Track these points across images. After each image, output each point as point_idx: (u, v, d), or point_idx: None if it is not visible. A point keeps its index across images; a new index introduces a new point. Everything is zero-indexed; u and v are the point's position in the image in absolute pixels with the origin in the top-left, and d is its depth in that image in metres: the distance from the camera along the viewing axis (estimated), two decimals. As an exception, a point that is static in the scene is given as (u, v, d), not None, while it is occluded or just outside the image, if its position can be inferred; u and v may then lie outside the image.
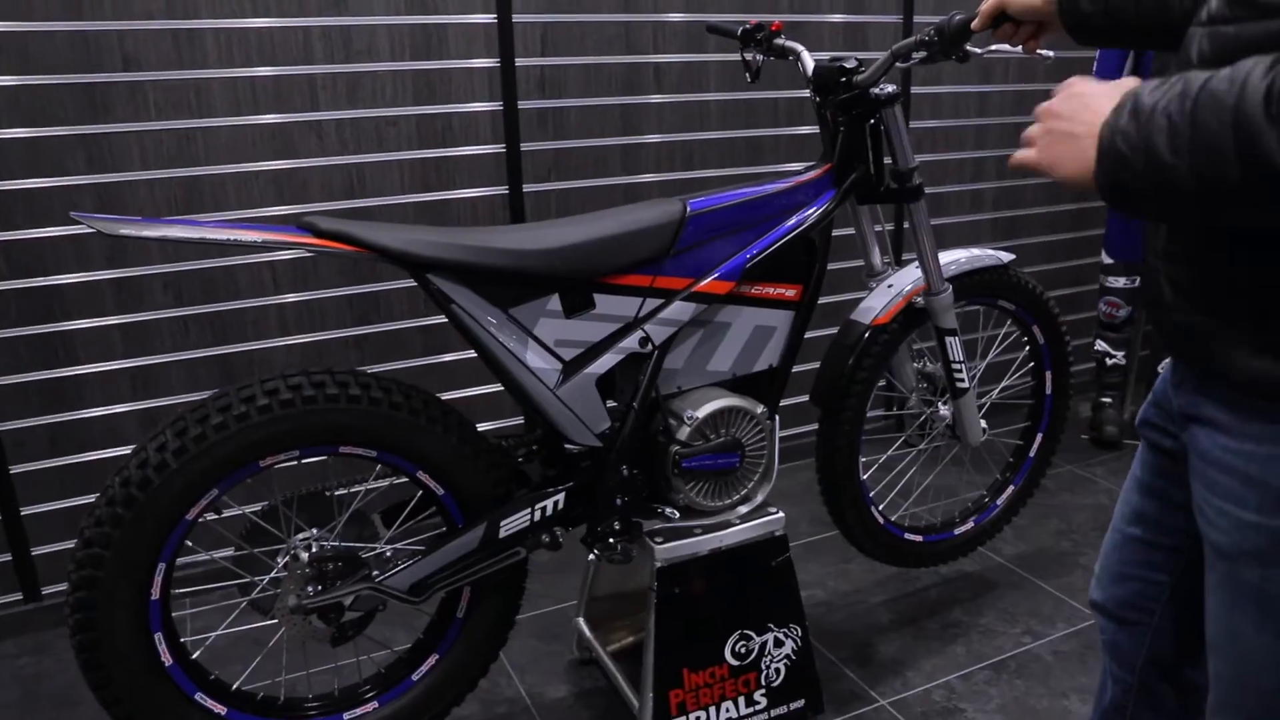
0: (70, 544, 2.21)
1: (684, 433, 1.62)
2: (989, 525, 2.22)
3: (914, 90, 2.88)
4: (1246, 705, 0.88)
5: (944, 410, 2.07)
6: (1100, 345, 3.10)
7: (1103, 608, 1.18)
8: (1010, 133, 3.10)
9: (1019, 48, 1.37)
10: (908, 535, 2.10)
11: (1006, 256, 2.01)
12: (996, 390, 2.45)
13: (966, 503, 2.31)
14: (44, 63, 1.96)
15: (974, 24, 1.38)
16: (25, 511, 2.15)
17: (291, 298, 2.28)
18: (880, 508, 2.05)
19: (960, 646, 2.06)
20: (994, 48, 1.53)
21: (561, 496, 1.59)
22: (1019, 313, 2.08)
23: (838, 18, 2.72)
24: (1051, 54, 1.59)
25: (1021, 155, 0.86)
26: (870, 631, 2.12)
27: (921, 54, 1.56)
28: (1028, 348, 2.19)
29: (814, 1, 2.67)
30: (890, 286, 1.92)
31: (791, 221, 1.68)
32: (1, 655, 2.11)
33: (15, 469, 2.12)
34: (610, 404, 1.62)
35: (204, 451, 1.33)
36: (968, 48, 1.53)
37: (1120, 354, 3.08)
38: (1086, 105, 0.79)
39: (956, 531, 2.18)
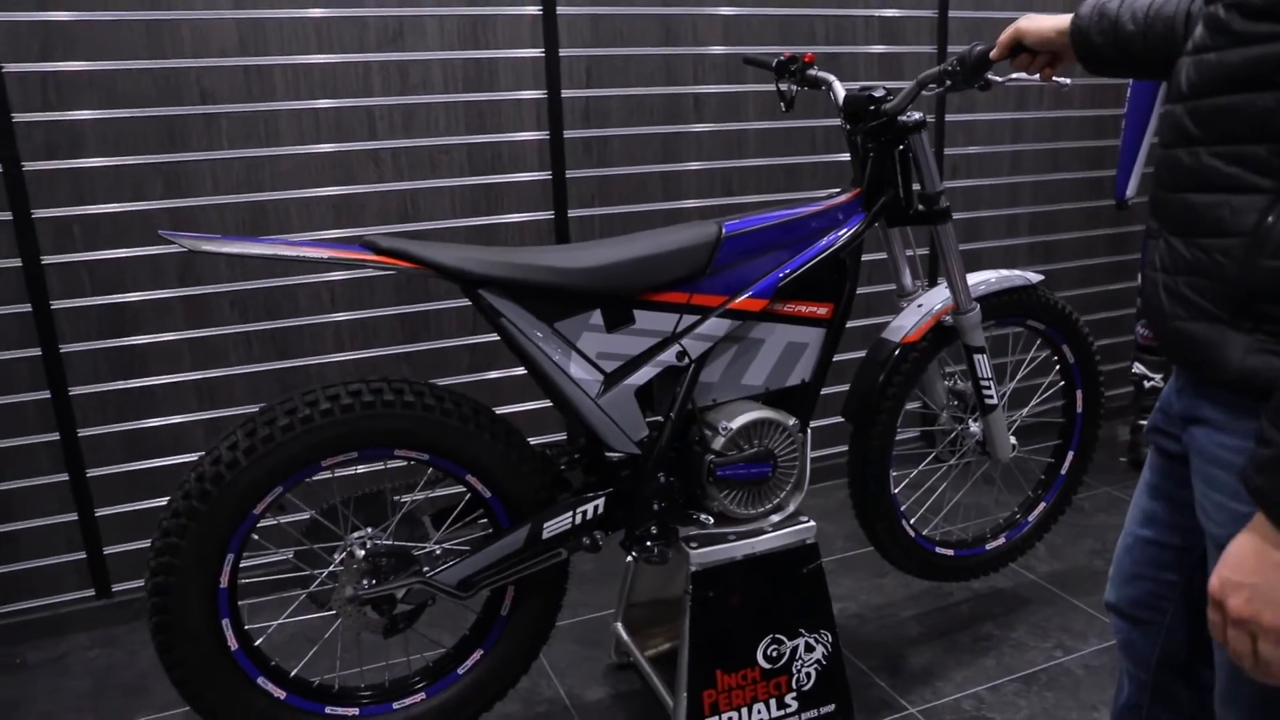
0: (139, 544, 2.35)
1: (719, 443, 1.70)
2: (1020, 541, 2.26)
3: (949, 118, 2.95)
4: (1246, 694, 0.93)
5: (974, 427, 2.12)
6: (1138, 368, 3.12)
7: (1117, 608, 1.23)
8: (1044, 158, 3.15)
9: (1036, 76, 1.45)
10: (939, 549, 2.15)
11: (1035, 277, 2.07)
12: (1025, 411, 2.49)
13: (998, 519, 2.35)
14: (130, 97, 2.12)
15: (992, 54, 1.46)
16: (100, 513, 2.30)
17: (347, 316, 2.41)
18: (911, 522, 2.10)
19: (991, 659, 2.10)
20: (1013, 76, 1.61)
21: (602, 501, 1.68)
22: (1049, 332, 2.14)
23: (874, 49, 2.80)
24: (1068, 81, 1.66)
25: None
26: (901, 643, 2.17)
27: (946, 83, 1.64)
28: (1058, 367, 2.23)
29: (849, 33, 2.77)
30: (920, 306, 1.98)
31: (823, 243, 1.76)
32: (75, 647, 2.25)
33: (92, 473, 2.27)
34: (649, 416, 1.71)
35: (271, 451, 1.45)
36: (988, 76, 1.61)
37: (1158, 377, 3.09)
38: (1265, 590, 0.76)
39: (988, 547, 2.22)
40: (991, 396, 2.01)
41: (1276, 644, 0.76)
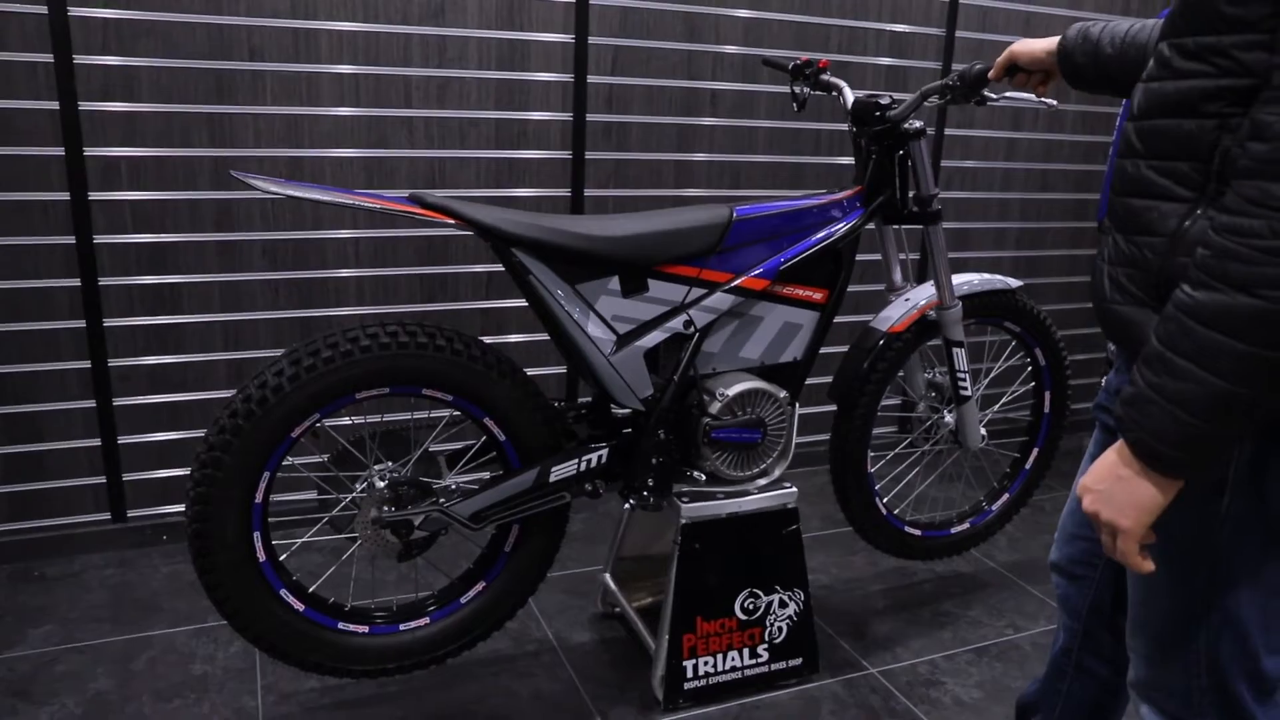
0: (157, 473, 2.48)
1: (715, 407, 1.86)
2: (983, 528, 2.43)
3: (947, 132, 3.12)
4: (1151, 623, 1.10)
5: (948, 418, 2.29)
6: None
7: (1057, 566, 1.40)
8: (1035, 177, 3.32)
9: (1031, 95, 1.61)
10: (907, 529, 2.31)
11: (1014, 283, 2.24)
12: (996, 408, 2.66)
13: (964, 507, 2.52)
14: (184, 49, 2.25)
15: (990, 73, 1.62)
16: (122, 440, 2.43)
17: (370, 272, 2.55)
18: (884, 501, 2.27)
19: (948, 632, 2.27)
20: (1008, 94, 1.77)
21: (605, 452, 1.83)
22: (1023, 334, 2.30)
23: (883, 60, 2.97)
24: (1054, 102, 1.83)
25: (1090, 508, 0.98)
26: (867, 613, 2.34)
27: (946, 96, 1.80)
28: (1030, 369, 2.40)
29: (860, 44, 2.93)
30: (907, 300, 2.15)
31: (823, 233, 1.92)
32: (89, 565, 2.38)
33: (118, 401, 2.40)
34: (654, 378, 1.86)
35: (312, 379, 1.59)
36: (985, 93, 1.77)
37: (1125, 392, 3.27)
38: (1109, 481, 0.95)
39: (953, 530, 2.39)
40: (966, 388, 2.18)
41: (1112, 535, 0.96)
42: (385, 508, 1.72)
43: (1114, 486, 0.95)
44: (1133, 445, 0.92)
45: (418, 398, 1.70)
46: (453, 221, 1.61)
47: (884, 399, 3.05)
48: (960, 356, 2.15)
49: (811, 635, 2.02)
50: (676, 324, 1.82)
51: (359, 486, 1.74)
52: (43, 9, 2.14)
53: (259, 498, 1.63)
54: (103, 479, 2.45)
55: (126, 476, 2.46)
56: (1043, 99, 1.62)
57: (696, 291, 1.83)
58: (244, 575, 1.65)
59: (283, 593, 1.71)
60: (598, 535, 2.66)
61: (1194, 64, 0.91)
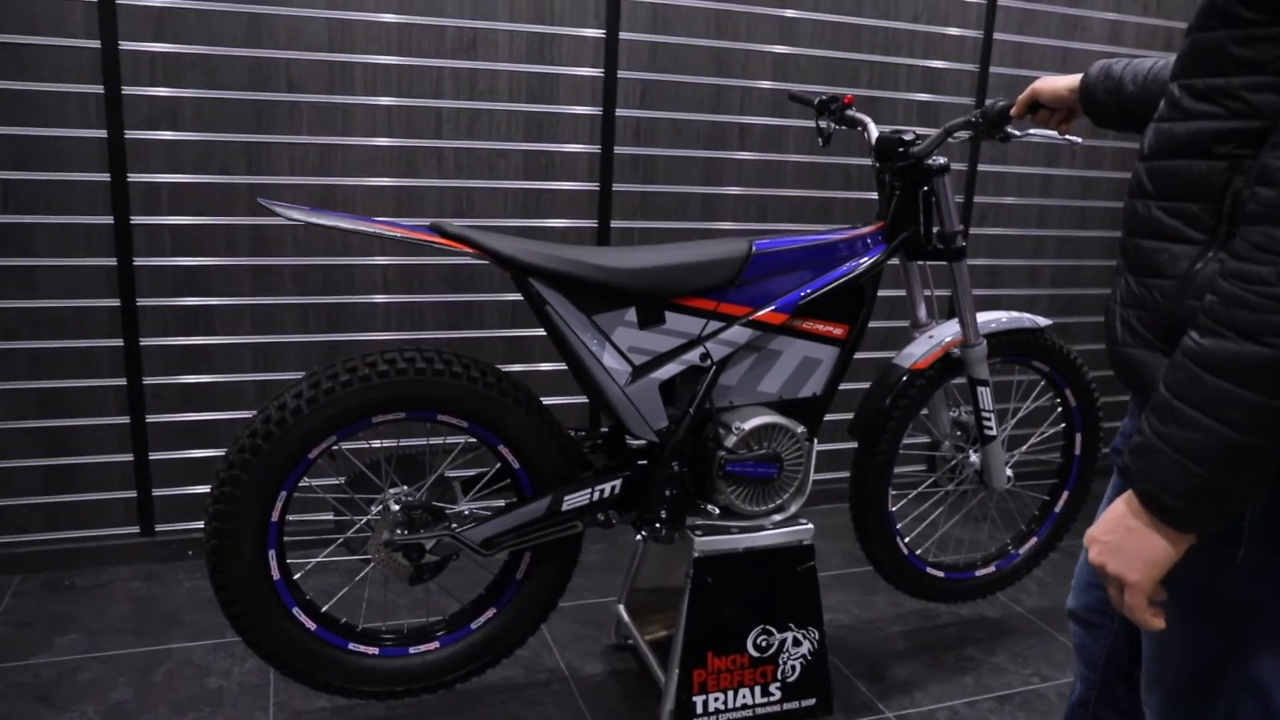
0: (186, 490, 2.53)
1: (731, 441, 1.85)
2: (1009, 572, 2.38)
3: (980, 168, 3.10)
4: (1166, 679, 1.06)
5: (974, 457, 2.25)
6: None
7: (1074, 614, 1.36)
8: (1072, 214, 3.28)
9: (1054, 132, 1.60)
10: (930, 570, 2.27)
11: (1043, 321, 2.21)
12: (1025, 447, 2.61)
13: (990, 549, 2.47)
14: (225, 80, 2.33)
15: (1012, 110, 1.62)
16: (153, 457, 2.48)
17: (397, 298, 2.59)
18: (906, 541, 2.23)
19: (970, 678, 2.22)
20: (1032, 131, 1.76)
21: (619, 483, 1.83)
22: (1053, 374, 2.27)
23: (916, 96, 2.96)
24: (1079, 140, 1.81)
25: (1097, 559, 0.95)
26: (886, 655, 2.29)
27: (969, 132, 1.79)
28: (1060, 410, 2.36)
29: (892, 79, 2.93)
30: (931, 337, 2.13)
31: (844, 268, 1.91)
32: (117, 577, 2.43)
33: (151, 419, 2.46)
34: (670, 410, 1.86)
35: (330, 402, 1.62)
36: (1009, 130, 1.76)
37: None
38: (1118, 533, 0.92)
39: (977, 573, 2.34)
40: (991, 428, 2.15)
41: (1120, 589, 0.92)
42: (397, 530, 1.73)
43: (1123, 538, 0.92)
44: (1141, 496, 0.89)
45: (434, 423, 1.71)
46: (471, 251, 1.64)
47: (910, 437, 3.02)
48: (985, 395, 2.12)
49: (826, 675, 1.99)
50: (693, 357, 1.82)
51: (374, 509, 1.76)
52: (96, 44, 2.22)
53: (275, 517, 1.66)
54: (133, 493, 2.50)
55: (156, 491, 2.52)
56: (1066, 137, 1.61)
57: (714, 325, 1.83)
58: (258, 592, 1.67)
59: (295, 611, 1.73)
60: (615, 565, 2.65)
61: (1204, 105, 0.90)
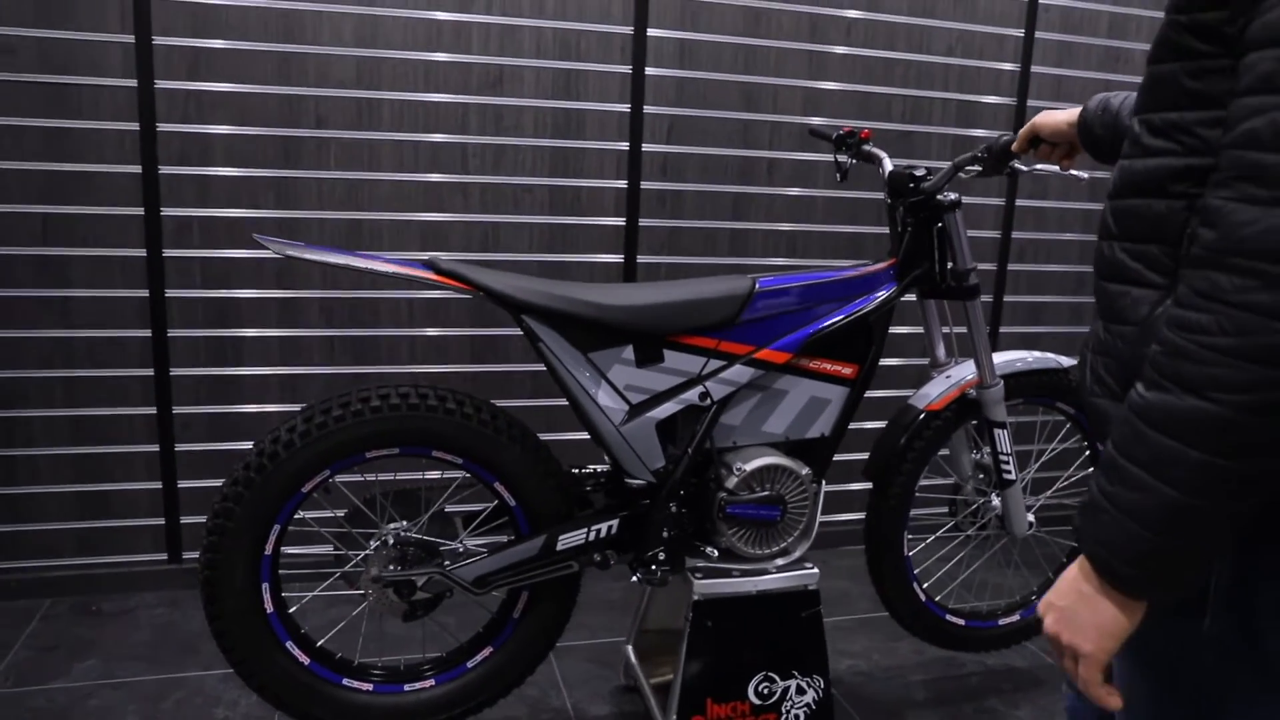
0: (212, 518, 2.58)
1: (732, 482, 1.81)
2: (1034, 622, 2.27)
3: (1019, 202, 3.01)
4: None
5: (995, 501, 2.16)
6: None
7: (1066, 678, 1.29)
8: (1117, 252, 3.16)
9: (1056, 166, 1.55)
10: (949, 617, 2.18)
11: (1068, 361, 2.12)
12: (1050, 491, 2.51)
13: (1014, 597, 2.36)
14: (256, 117, 2.40)
15: (1014, 146, 1.56)
16: (182, 485, 2.54)
17: (423, 331, 2.62)
18: (924, 586, 2.15)
19: (990, 734, 2.12)
20: (1038, 166, 1.70)
21: (616, 523, 1.81)
22: (1078, 417, 2.17)
23: (949, 130, 2.90)
24: (1085, 175, 1.74)
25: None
26: (904, 704, 2.20)
27: (976, 168, 1.74)
28: (1088, 454, 2.26)
29: (925, 113, 2.88)
30: (948, 377, 2.06)
31: (852, 306, 1.87)
32: (142, 604, 2.48)
33: (180, 447, 2.52)
34: (671, 450, 1.83)
35: (323, 436, 1.63)
36: (1015, 165, 1.70)
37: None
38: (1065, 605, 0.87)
39: (1000, 622, 2.24)
40: (1010, 472, 2.06)
41: (1074, 660, 0.86)
42: (389, 566, 1.73)
43: (1076, 604, 0.86)
44: (1090, 559, 0.84)
45: (428, 459, 1.72)
46: (464, 288, 1.64)
47: (933, 479, 2.92)
48: (1003, 438, 2.04)
49: (832, 726, 1.92)
50: (692, 396, 1.79)
51: (372, 544, 1.77)
52: (133, 83, 2.32)
53: (269, 549, 1.67)
54: (161, 520, 2.56)
55: (184, 519, 2.57)
56: (1070, 171, 1.55)
57: (714, 363, 1.80)
58: (250, 625, 1.68)
59: (289, 644, 1.74)
60: (631, 604, 2.61)
61: (1161, 141, 0.85)
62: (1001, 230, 3.02)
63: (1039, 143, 1.51)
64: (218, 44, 2.34)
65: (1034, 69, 2.94)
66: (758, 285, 1.81)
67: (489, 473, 1.74)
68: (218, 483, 2.57)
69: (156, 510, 2.55)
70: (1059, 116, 1.45)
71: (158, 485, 2.54)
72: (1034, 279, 3.10)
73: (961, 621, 2.20)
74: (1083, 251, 3.13)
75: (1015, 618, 2.26)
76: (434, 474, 2.63)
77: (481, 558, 1.74)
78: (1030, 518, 2.11)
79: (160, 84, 2.33)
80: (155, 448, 2.51)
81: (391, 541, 1.74)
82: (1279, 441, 0.72)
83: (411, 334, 2.62)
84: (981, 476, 2.19)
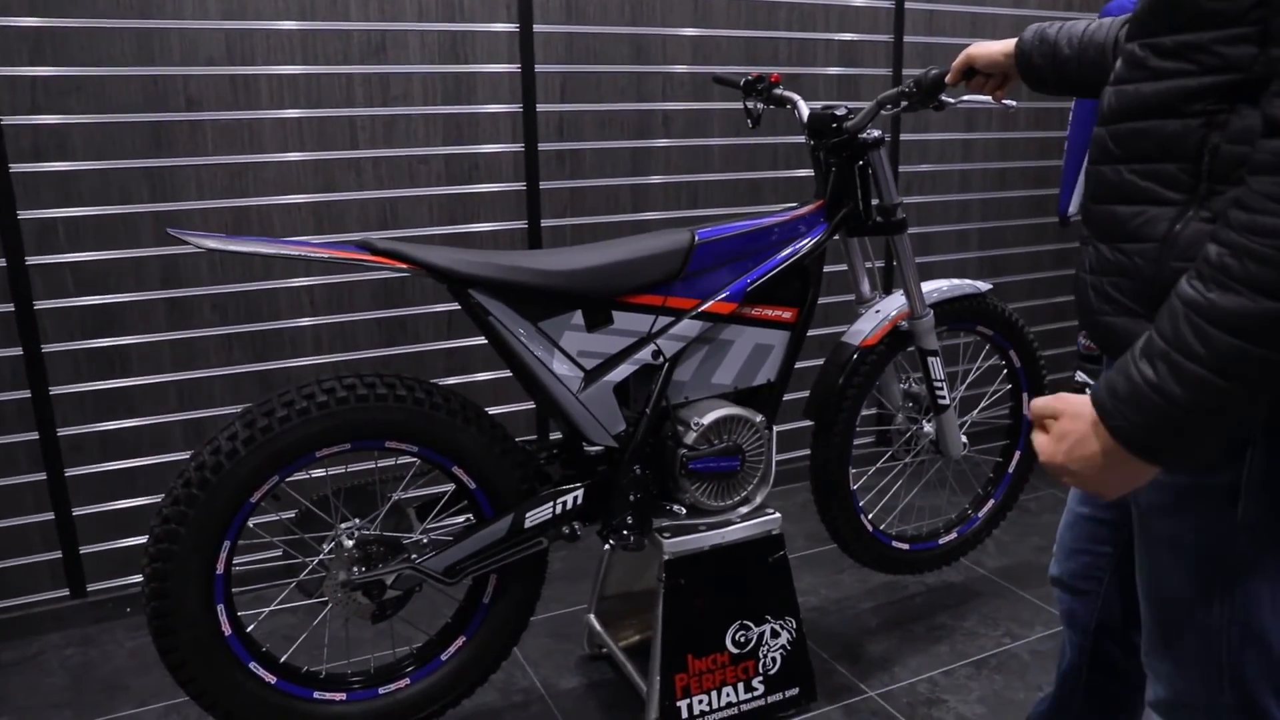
0: (116, 544, 2.38)
1: (690, 437, 1.80)
2: (971, 536, 2.39)
3: (903, 137, 3.10)
4: (1170, 641, 1.05)
5: (927, 427, 2.25)
6: (1080, 376, 3.29)
7: (1059, 580, 1.35)
8: (993, 176, 3.32)
9: (989, 97, 1.58)
10: (895, 543, 2.27)
11: (984, 286, 2.21)
12: (974, 413, 2.63)
13: (950, 516, 2.48)
14: (118, 103, 2.17)
15: (947, 78, 1.59)
16: (77, 512, 2.32)
17: (326, 319, 2.47)
18: (869, 517, 2.22)
19: (944, 646, 2.22)
20: (965, 98, 1.74)
21: (580, 493, 1.77)
22: (996, 338, 2.28)
23: (834, 70, 2.95)
24: (1014, 103, 1.80)
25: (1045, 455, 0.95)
26: (860, 633, 2.28)
27: (903, 103, 1.77)
28: (1005, 372, 2.38)
29: (810, 55, 2.91)
30: (878, 312, 2.11)
31: (787, 251, 1.88)
32: (49, 646, 2.27)
33: (70, 472, 2.30)
34: (626, 412, 1.80)
35: (269, 441, 1.51)
36: (943, 98, 1.74)
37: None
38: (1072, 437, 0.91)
39: (940, 541, 2.35)
40: (944, 397, 2.14)
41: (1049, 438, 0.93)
42: (355, 569, 1.64)
43: (1100, 469, 0.90)
44: (1119, 434, 0.86)
45: (381, 451, 1.62)
46: (404, 266, 1.55)
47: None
48: (936, 365, 2.11)
49: (806, 663, 1.96)
50: (645, 355, 1.76)
51: (326, 548, 1.66)
52: (-35, 71, 2.05)
53: (220, 569, 1.55)
54: (58, 553, 2.34)
55: (84, 549, 2.36)
56: (1002, 101, 1.59)
57: (663, 320, 1.78)
58: (209, 651, 1.56)
59: (252, 665, 1.62)
60: (579, 572, 2.58)
61: (1173, 63, 0.87)
62: (891, 166, 3.10)
63: (973, 75, 1.55)
64: (65, 23, 2.10)
65: (907, 4, 3.01)
66: (697, 237, 1.79)
67: (446, 458, 1.67)
68: (119, 505, 2.36)
69: (52, 543, 2.32)
70: (994, 48, 1.48)
71: (50, 516, 2.31)
72: (922, 210, 3.21)
73: (906, 546, 2.28)
74: (964, 180, 3.26)
75: (953, 535, 2.37)
76: (386, 463, 2.51)
77: (450, 546, 1.67)
78: (963, 437, 2.21)
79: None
80: (42, 475, 2.28)
81: (349, 542, 1.64)
82: None
83: (315, 322, 2.47)
84: (911, 405, 2.26)
